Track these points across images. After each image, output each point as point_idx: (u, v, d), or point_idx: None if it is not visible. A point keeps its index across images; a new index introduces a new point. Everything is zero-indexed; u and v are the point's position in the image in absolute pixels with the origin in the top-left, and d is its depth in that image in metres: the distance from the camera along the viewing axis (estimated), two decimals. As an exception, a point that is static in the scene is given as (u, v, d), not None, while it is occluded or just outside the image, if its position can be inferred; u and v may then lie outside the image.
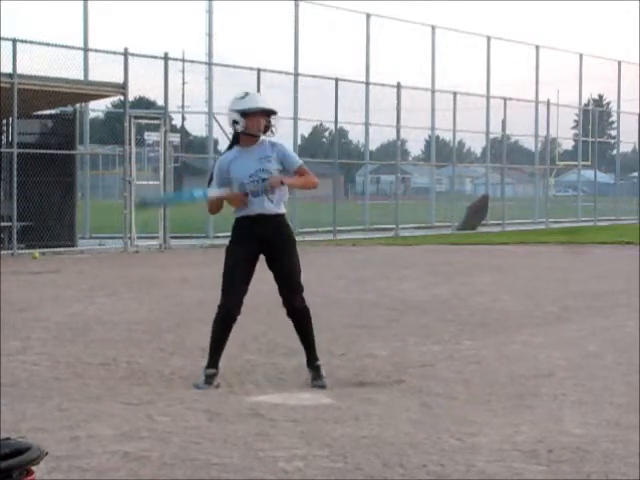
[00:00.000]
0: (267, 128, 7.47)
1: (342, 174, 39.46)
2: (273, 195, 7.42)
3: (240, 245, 7.44)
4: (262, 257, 7.54)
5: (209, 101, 27.33)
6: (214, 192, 7.51)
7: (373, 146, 34.52)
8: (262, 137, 7.50)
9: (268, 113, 7.48)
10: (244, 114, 7.37)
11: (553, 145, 38.67)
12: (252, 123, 7.40)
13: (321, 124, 35.97)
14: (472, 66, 34.65)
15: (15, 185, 19.98)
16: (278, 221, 7.48)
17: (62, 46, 22.02)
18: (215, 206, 7.65)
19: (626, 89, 41.05)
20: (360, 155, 33.88)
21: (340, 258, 20.75)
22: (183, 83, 31.06)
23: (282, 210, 7.54)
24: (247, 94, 7.52)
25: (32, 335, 9.74)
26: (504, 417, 6.44)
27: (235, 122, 7.40)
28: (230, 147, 7.63)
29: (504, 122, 34.86)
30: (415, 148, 38.45)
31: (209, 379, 7.39)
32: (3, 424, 5.87)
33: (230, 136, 7.80)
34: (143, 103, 36.15)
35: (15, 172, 19.90)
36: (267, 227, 7.42)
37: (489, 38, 35.39)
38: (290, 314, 7.56)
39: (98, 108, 30.83)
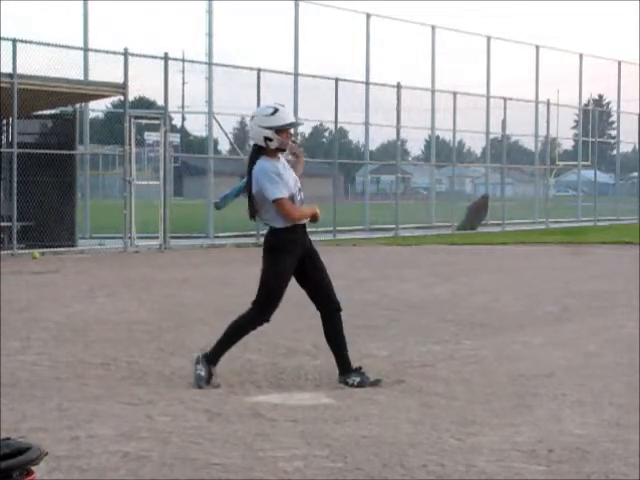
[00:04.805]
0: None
1: (342, 174, 39.46)
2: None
3: (290, 255, 7.43)
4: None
5: (209, 101, 27.31)
6: (304, 209, 7.49)
7: (373, 146, 34.53)
8: None
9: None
10: (277, 130, 7.35)
11: (553, 145, 38.65)
12: (286, 138, 7.41)
13: (321, 124, 35.96)
14: (472, 66, 34.65)
15: (15, 185, 19.98)
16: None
17: (62, 46, 22.02)
18: (301, 213, 7.51)
19: (626, 89, 41.09)
20: (360, 155, 33.89)
21: (340, 258, 20.74)
22: (183, 83, 31.07)
23: None
24: (276, 110, 7.43)
25: (32, 335, 9.74)
26: (504, 417, 6.44)
27: (268, 139, 7.34)
28: (256, 157, 7.48)
29: (504, 122, 34.85)
30: (415, 148, 38.46)
31: (209, 379, 7.38)
32: (3, 424, 5.87)
33: (230, 137, 7.77)
34: (143, 103, 36.11)
35: (15, 172, 19.89)
36: (307, 235, 7.56)
37: (489, 38, 35.39)
38: (335, 310, 7.56)
39: (98, 108, 30.83)
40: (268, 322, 7.51)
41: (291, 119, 7.51)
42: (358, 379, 7.48)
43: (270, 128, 7.34)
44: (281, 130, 7.37)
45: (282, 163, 7.50)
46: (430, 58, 33.46)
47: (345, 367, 7.58)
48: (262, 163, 7.41)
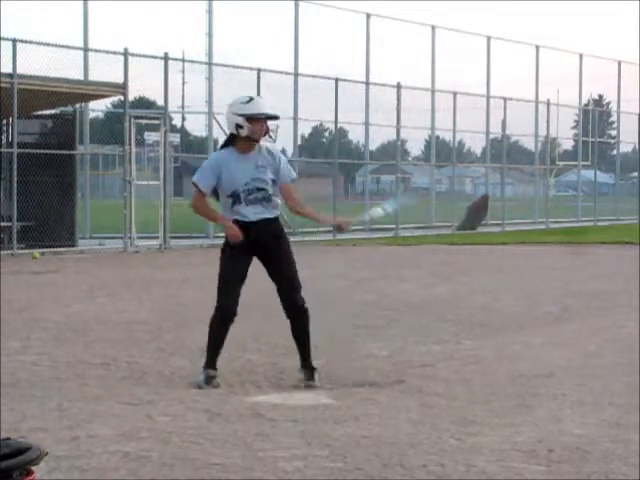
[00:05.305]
0: (265, 132, 7.51)
1: (342, 174, 39.44)
2: (269, 203, 7.44)
3: (236, 247, 7.45)
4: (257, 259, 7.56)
5: (209, 101, 27.31)
6: (211, 211, 7.56)
7: (373, 146, 34.52)
8: (260, 143, 7.53)
9: (269, 118, 7.52)
10: (249, 119, 7.36)
11: (553, 145, 38.65)
12: (258, 128, 7.40)
13: (321, 124, 35.94)
14: (472, 66, 34.65)
15: (15, 185, 19.98)
16: (272, 225, 7.50)
17: (62, 46, 22.02)
18: (205, 211, 7.63)
19: (626, 89, 41.08)
20: (360, 155, 33.87)
21: (340, 258, 20.74)
22: (183, 83, 31.06)
23: (276, 214, 7.55)
24: (252, 99, 7.49)
25: (32, 335, 9.74)
26: (504, 417, 6.44)
27: (239, 126, 7.39)
28: (224, 146, 7.63)
29: (504, 122, 34.85)
30: (415, 148, 38.44)
31: (209, 379, 7.38)
32: (3, 424, 5.87)
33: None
34: (143, 103, 36.09)
35: (15, 172, 19.89)
36: (262, 232, 7.42)
37: (489, 38, 35.38)
38: (293, 311, 7.54)
39: (98, 108, 30.82)
40: (230, 313, 7.43)
41: (264, 109, 7.44)
42: (304, 377, 7.52)
43: (242, 115, 7.35)
44: (255, 120, 7.36)
45: (247, 156, 7.42)
46: (430, 58, 33.46)
47: (303, 363, 7.59)
48: (216, 152, 7.61)
